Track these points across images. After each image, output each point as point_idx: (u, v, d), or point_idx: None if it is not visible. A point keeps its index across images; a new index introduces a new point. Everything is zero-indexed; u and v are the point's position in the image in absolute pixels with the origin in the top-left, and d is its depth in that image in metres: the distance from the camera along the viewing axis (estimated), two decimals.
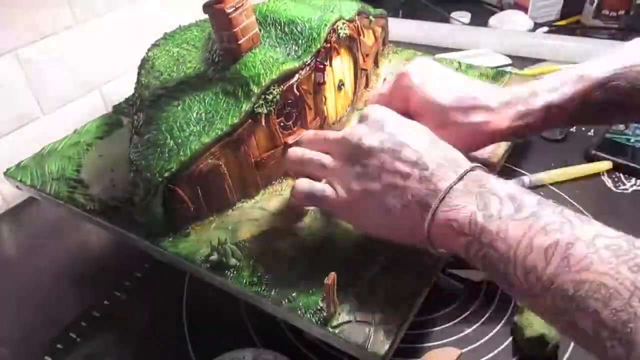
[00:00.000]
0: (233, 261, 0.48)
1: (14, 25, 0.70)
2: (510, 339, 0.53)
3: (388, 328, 0.42)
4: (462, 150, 0.44)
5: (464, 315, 0.56)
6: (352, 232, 0.51)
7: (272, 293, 0.46)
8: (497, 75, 0.77)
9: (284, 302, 0.45)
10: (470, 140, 0.51)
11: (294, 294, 0.45)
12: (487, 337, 0.54)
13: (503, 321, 0.55)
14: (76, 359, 0.56)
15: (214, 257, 0.48)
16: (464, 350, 0.52)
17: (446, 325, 0.55)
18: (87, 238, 0.72)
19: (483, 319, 0.55)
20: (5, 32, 0.70)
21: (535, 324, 0.51)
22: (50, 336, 0.58)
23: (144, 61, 0.66)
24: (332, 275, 0.41)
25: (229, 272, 0.48)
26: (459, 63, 0.81)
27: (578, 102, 0.49)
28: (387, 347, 0.41)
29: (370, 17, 0.73)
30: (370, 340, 0.41)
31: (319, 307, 0.44)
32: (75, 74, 0.80)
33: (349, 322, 0.43)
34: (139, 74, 0.66)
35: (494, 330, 0.54)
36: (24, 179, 0.62)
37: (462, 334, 0.54)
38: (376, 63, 0.80)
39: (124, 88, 0.74)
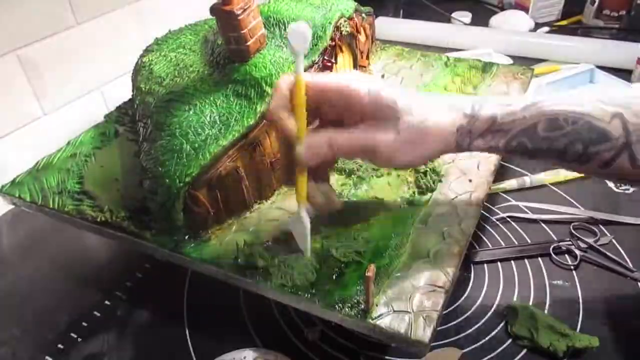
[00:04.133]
0: (261, 262, 0.48)
1: (14, 25, 0.69)
2: (510, 340, 0.54)
3: (427, 314, 0.43)
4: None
5: (465, 316, 0.57)
6: (375, 223, 0.51)
7: (306, 291, 0.46)
8: (485, 67, 0.80)
9: (319, 299, 0.45)
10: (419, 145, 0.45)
11: (327, 290, 0.45)
12: (488, 337, 0.55)
13: (503, 321, 0.56)
14: (77, 358, 0.55)
15: (241, 260, 0.48)
16: (465, 350, 0.53)
17: (448, 325, 0.56)
18: (87, 238, 0.70)
19: (484, 319, 0.56)
20: (5, 32, 0.69)
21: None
22: (51, 336, 0.57)
23: (139, 67, 0.65)
24: (372, 267, 0.42)
25: (258, 274, 0.48)
26: (447, 57, 0.83)
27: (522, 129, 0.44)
28: (429, 333, 0.41)
29: (363, 15, 0.74)
30: (412, 329, 0.42)
31: (355, 301, 0.44)
32: (75, 74, 0.80)
33: (387, 312, 0.43)
34: (134, 80, 0.65)
35: (495, 330, 0.55)
36: (22, 195, 0.60)
37: (463, 334, 0.55)
38: (368, 60, 0.81)
39: (124, 88, 0.74)
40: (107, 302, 0.61)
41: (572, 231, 0.66)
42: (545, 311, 0.56)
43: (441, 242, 0.49)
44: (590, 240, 0.64)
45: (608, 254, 0.62)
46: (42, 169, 0.64)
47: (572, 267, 0.61)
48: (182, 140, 0.50)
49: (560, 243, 0.64)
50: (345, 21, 0.62)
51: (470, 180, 0.57)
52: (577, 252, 0.63)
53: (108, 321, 0.59)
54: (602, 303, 0.57)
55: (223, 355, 0.50)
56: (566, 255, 0.63)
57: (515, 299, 0.58)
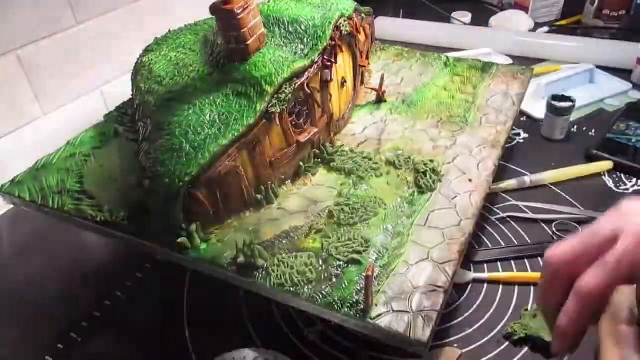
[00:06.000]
0: (261, 262, 0.48)
1: (14, 25, 0.70)
2: (509, 341, 0.54)
3: (426, 314, 0.43)
4: None
5: (464, 316, 0.57)
6: (375, 223, 0.51)
7: (305, 290, 0.46)
8: (485, 67, 0.80)
9: (318, 298, 0.45)
10: None
11: (327, 290, 0.45)
12: (487, 338, 0.55)
13: (503, 322, 0.56)
14: (76, 358, 0.56)
15: (241, 259, 0.48)
16: (464, 351, 0.53)
17: (447, 325, 0.56)
18: (87, 239, 0.71)
19: (483, 320, 0.56)
20: (5, 32, 0.69)
21: (532, 328, 0.53)
22: (50, 336, 0.58)
23: (139, 67, 0.65)
24: (371, 266, 0.42)
25: (257, 274, 0.47)
26: (447, 57, 0.83)
27: None
28: (428, 333, 0.41)
29: (363, 15, 0.74)
30: (411, 329, 0.42)
31: (354, 301, 0.44)
32: (75, 74, 0.80)
33: (387, 312, 0.43)
34: (134, 80, 0.65)
35: (494, 331, 0.55)
36: (22, 194, 0.60)
37: (462, 334, 0.55)
38: (367, 60, 0.81)
39: (124, 88, 0.74)
40: (107, 302, 0.61)
41: (571, 231, 0.66)
42: None
43: (441, 242, 0.49)
44: None
45: None
46: (41, 168, 0.64)
47: None
48: (182, 139, 0.50)
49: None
50: (345, 21, 0.62)
51: (470, 180, 0.57)
52: None
53: (108, 321, 0.59)
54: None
55: (223, 355, 0.50)
56: None
57: (514, 299, 0.58)
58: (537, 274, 0.60)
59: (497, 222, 0.68)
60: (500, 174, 0.74)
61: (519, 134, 0.86)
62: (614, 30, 1.18)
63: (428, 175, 0.57)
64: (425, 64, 0.82)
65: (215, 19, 0.54)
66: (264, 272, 0.47)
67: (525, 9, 1.25)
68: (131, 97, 0.68)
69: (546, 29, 1.21)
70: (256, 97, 0.52)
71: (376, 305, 0.44)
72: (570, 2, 1.25)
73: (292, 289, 0.46)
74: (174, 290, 0.62)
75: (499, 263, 0.63)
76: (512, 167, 0.78)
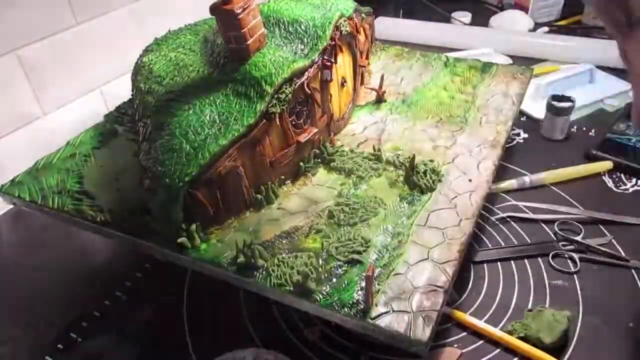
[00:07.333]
0: (261, 262, 0.48)
1: (14, 25, 0.70)
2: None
3: (427, 314, 0.43)
4: None
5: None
6: (375, 223, 0.51)
7: (305, 290, 0.45)
8: (484, 67, 0.80)
9: (318, 298, 0.45)
10: None
11: (327, 290, 0.45)
12: (487, 337, 0.54)
13: (503, 322, 0.56)
14: (76, 358, 0.56)
15: (241, 259, 0.48)
16: (464, 351, 0.53)
17: (446, 325, 0.56)
18: (87, 238, 0.71)
19: (483, 319, 0.56)
20: (5, 32, 0.69)
21: (532, 329, 0.53)
22: (50, 336, 0.58)
23: (139, 67, 0.65)
24: (371, 266, 0.42)
25: (257, 274, 0.47)
26: (447, 57, 0.83)
27: None
28: (428, 333, 0.41)
29: (362, 15, 0.74)
30: (411, 328, 0.42)
31: (354, 301, 0.44)
32: (75, 73, 0.80)
33: (387, 312, 0.43)
34: (134, 80, 0.65)
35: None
36: (22, 194, 0.60)
37: (462, 334, 0.55)
38: (367, 60, 0.81)
39: (124, 88, 0.75)
40: (107, 302, 0.61)
41: (572, 231, 0.66)
42: None
43: (441, 242, 0.49)
44: (590, 240, 0.64)
45: (607, 250, 0.62)
46: (41, 168, 0.64)
47: (571, 267, 0.61)
48: (182, 139, 0.50)
49: (560, 243, 0.64)
50: (345, 21, 0.63)
51: (470, 180, 0.57)
52: (577, 252, 0.63)
53: (108, 321, 0.59)
54: (601, 301, 0.57)
55: (223, 355, 0.50)
56: (565, 255, 0.63)
57: (514, 299, 0.58)
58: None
59: (497, 222, 0.68)
60: (500, 174, 0.74)
61: (519, 134, 0.86)
62: None
63: (428, 175, 0.57)
64: (425, 64, 0.82)
65: (215, 19, 0.54)
66: (264, 272, 0.47)
67: (525, 9, 1.24)
68: (131, 97, 0.68)
69: (546, 29, 1.21)
70: (256, 97, 0.52)
71: (376, 305, 0.44)
72: (570, 2, 1.25)
73: (292, 289, 0.46)
74: (174, 290, 0.62)
75: (499, 263, 0.63)
76: (512, 167, 0.78)
